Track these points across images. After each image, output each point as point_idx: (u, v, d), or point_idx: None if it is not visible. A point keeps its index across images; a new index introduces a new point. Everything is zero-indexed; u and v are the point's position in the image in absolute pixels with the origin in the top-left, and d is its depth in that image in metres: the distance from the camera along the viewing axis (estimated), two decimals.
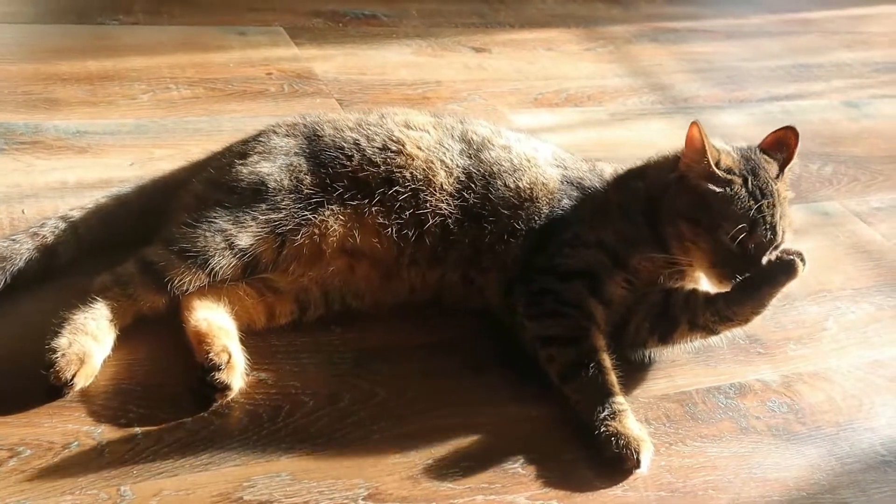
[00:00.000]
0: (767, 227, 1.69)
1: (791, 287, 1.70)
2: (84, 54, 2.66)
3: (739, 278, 1.67)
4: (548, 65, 3.18)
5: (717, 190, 1.69)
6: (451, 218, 1.75)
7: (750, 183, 1.70)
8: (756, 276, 1.67)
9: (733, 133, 2.84)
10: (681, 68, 3.32)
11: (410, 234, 1.74)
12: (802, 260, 1.67)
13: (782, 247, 1.72)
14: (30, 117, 2.30)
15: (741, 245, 1.68)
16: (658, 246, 1.74)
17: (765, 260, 1.68)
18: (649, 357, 1.80)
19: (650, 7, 3.92)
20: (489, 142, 1.85)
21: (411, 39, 3.18)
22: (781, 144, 1.79)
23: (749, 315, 1.71)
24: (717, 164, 1.69)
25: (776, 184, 1.74)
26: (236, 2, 3.24)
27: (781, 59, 3.57)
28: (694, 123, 1.68)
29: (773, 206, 1.71)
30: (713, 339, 1.79)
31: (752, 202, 1.68)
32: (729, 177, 1.69)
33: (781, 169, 1.77)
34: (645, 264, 1.74)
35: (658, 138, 2.76)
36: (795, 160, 1.81)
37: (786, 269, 1.66)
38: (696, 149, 1.70)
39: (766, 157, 1.77)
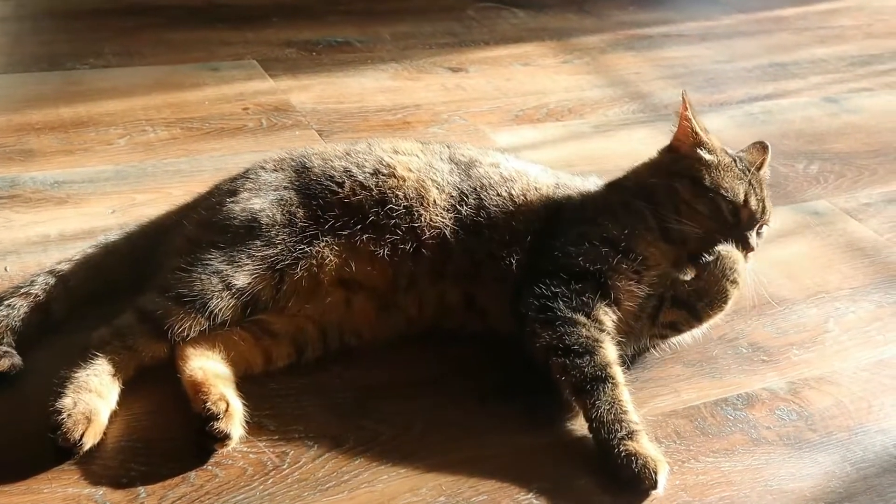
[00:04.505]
0: (759, 199, 1.79)
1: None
2: (56, 101, 2.63)
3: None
4: (525, 80, 3.17)
5: (708, 157, 1.80)
6: (447, 229, 1.75)
7: (738, 162, 1.82)
8: None
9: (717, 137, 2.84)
10: (658, 75, 3.32)
11: (408, 248, 1.72)
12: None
13: (765, 228, 1.83)
14: (5, 170, 2.26)
15: (735, 214, 1.76)
16: (662, 236, 1.76)
17: (752, 238, 1.77)
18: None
19: (622, 15, 3.93)
20: (477, 161, 1.87)
21: (386, 64, 3.17)
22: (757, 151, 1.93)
23: (714, 287, 1.71)
24: (703, 139, 1.82)
25: (759, 171, 1.85)
26: (207, 37, 3.22)
27: (757, 58, 3.57)
28: (683, 94, 1.81)
29: (761, 183, 1.83)
30: (701, 332, 1.80)
31: (743, 175, 1.80)
32: (718, 150, 1.82)
33: (759, 167, 1.88)
34: (651, 251, 1.74)
35: (642, 147, 2.73)
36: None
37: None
38: (685, 119, 1.81)
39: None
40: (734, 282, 1.71)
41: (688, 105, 1.80)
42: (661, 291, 1.74)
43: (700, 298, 1.73)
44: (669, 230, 1.76)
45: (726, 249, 1.72)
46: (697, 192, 1.76)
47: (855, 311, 2.08)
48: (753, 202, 1.77)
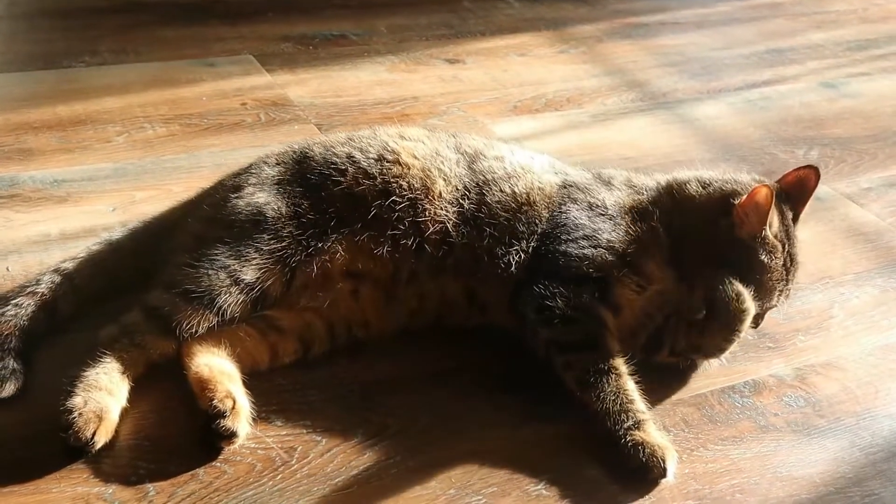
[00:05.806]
0: (786, 295, 1.79)
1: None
2: (53, 100, 2.61)
3: None
4: (522, 70, 3.16)
5: (763, 259, 1.71)
6: (449, 223, 1.72)
7: (785, 249, 1.75)
8: None
9: (715, 124, 2.84)
10: (655, 63, 3.31)
11: (410, 243, 1.70)
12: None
13: None
14: (4, 170, 2.25)
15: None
16: (672, 260, 1.72)
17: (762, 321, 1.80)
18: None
19: (617, 3, 3.91)
20: (481, 153, 1.83)
21: (383, 56, 3.15)
22: (802, 184, 1.82)
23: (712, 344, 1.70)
24: (770, 239, 1.72)
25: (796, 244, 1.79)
26: (202, 33, 3.20)
27: (754, 45, 3.56)
28: (766, 187, 1.69)
29: (795, 273, 1.79)
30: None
31: (783, 274, 1.75)
32: (776, 243, 1.73)
33: (796, 218, 1.81)
34: (656, 272, 1.71)
35: (641, 136, 2.75)
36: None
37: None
38: (759, 212, 1.70)
39: (787, 207, 1.80)
40: (733, 340, 1.70)
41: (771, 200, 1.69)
42: (660, 314, 1.71)
43: (697, 352, 1.72)
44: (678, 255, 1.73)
45: (739, 298, 1.66)
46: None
47: (859, 297, 2.07)
48: (780, 301, 1.79)
